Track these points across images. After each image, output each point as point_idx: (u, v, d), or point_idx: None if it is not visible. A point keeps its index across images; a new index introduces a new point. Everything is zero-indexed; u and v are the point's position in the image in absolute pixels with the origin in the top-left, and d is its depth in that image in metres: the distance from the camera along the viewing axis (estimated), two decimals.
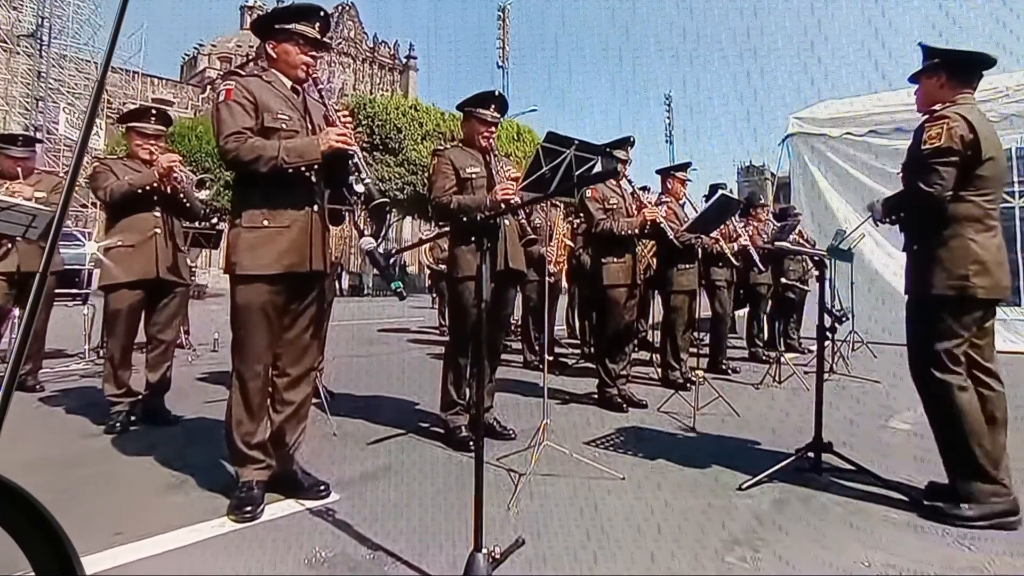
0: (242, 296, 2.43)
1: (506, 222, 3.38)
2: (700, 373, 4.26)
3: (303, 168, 2.43)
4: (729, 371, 6.08)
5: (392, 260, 2.17)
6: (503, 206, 3.20)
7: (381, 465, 3.05)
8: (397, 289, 1.93)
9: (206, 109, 34.68)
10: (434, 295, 13.55)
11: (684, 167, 5.47)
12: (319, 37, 2.58)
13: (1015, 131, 7.41)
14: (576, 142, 2.76)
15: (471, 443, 3.31)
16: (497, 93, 3.48)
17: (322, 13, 2.58)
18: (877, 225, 2.88)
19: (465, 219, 3.30)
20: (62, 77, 30.08)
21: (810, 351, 7.87)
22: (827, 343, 6.43)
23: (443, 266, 7.95)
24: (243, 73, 2.54)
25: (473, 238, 3.33)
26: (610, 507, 2.54)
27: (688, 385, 5.14)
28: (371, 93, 36.88)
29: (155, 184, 3.55)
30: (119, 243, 3.53)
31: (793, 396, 5.03)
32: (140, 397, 3.78)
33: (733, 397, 4.75)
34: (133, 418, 3.74)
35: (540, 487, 2.75)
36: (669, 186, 5.35)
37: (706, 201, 6.57)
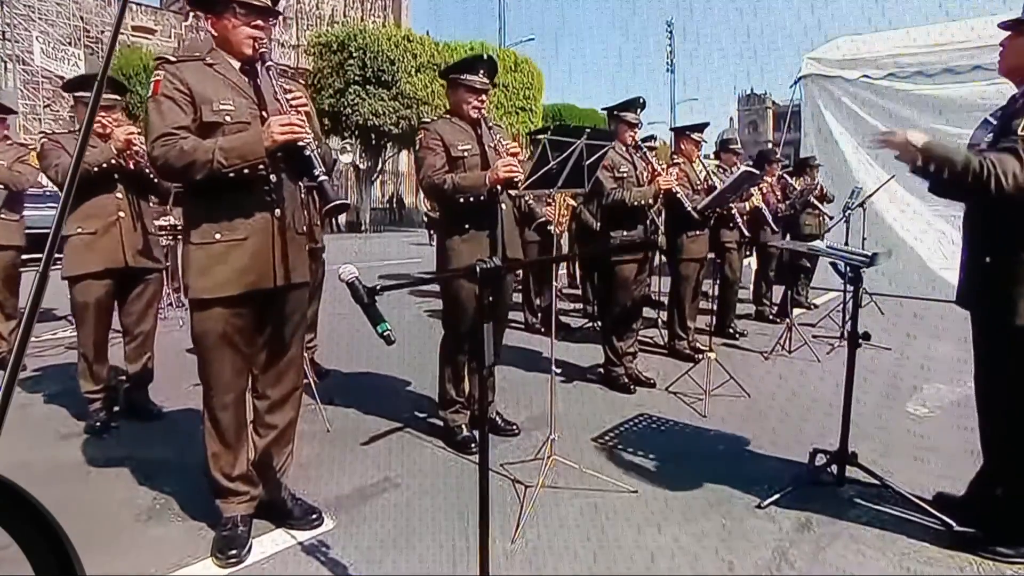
0: (199, 323, 2.14)
1: (503, 206, 3.06)
2: (712, 356, 4.04)
3: (246, 170, 2.06)
4: (736, 335, 5.90)
5: (378, 295, 1.83)
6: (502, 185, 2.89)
7: (377, 476, 2.85)
8: (383, 333, 1.66)
9: (190, 38, 33.02)
10: (431, 232, 13.31)
11: (700, 128, 5.05)
12: (268, 5, 2.14)
13: None
14: (588, 131, 2.42)
15: (472, 444, 3.13)
16: (486, 56, 3.07)
17: None
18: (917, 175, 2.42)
19: (461, 200, 2.98)
20: (32, 3, 28.43)
21: (815, 306, 7.71)
22: (838, 306, 6.37)
23: (438, 213, 7.64)
24: (173, 59, 2.12)
25: (468, 224, 3.04)
26: (620, 531, 2.38)
27: (696, 356, 4.97)
28: (362, 20, 35.10)
29: (113, 161, 3.20)
30: (79, 230, 3.20)
31: (805, 370, 4.85)
32: (122, 384, 3.59)
33: (743, 370, 4.58)
34: (117, 408, 3.56)
35: (548, 505, 2.57)
36: (683, 147, 4.96)
37: (716, 157, 6.23)
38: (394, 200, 36.24)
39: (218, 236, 2.10)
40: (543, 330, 6.14)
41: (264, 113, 2.16)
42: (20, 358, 1.01)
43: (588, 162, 2.55)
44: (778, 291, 7.07)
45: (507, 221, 3.10)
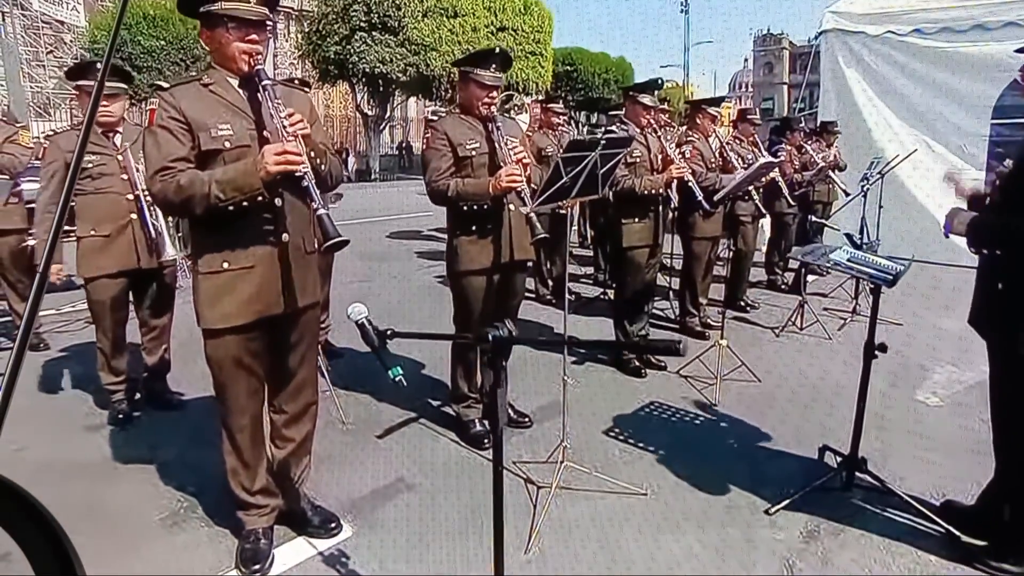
0: (213, 350, 2.15)
1: (511, 208, 3.02)
2: (724, 343, 4.04)
3: (245, 203, 1.98)
4: (747, 307, 5.88)
5: (388, 340, 1.78)
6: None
7: (391, 476, 2.92)
8: (396, 378, 1.67)
9: None
10: None
11: (717, 102, 4.90)
12: (263, 15, 2.02)
13: None
14: (602, 143, 2.36)
15: (485, 439, 3.19)
16: (498, 50, 2.96)
17: None
18: (948, 236, 2.47)
19: (465, 208, 2.95)
20: None
21: (827, 271, 7.62)
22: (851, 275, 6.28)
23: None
24: (167, 85, 2.04)
25: (474, 227, 3.01)
26: (628, 539, 2.44)
27: (706, 332, 4.98)
28: None
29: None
30: (93, 232, 3.19)
31: (816, 349, 4.84)
32: (142, 374, 3.66)
33: (754, 351, 4.60)
34: (138, 396, 3.64)
35: (559, 508, 2.64)
36: (698, 121, 4.81)
37: (733, 127, 6.04)
38: (403, 146, 35.84)
39: (225, 265, 2.08)
40: (555, 302, 6.13)
41: (265, 133, 2.09)
42: (21, 355, 0.97)
43: (602, 170, 2.49)
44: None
45: (515, 221, 3.06)
